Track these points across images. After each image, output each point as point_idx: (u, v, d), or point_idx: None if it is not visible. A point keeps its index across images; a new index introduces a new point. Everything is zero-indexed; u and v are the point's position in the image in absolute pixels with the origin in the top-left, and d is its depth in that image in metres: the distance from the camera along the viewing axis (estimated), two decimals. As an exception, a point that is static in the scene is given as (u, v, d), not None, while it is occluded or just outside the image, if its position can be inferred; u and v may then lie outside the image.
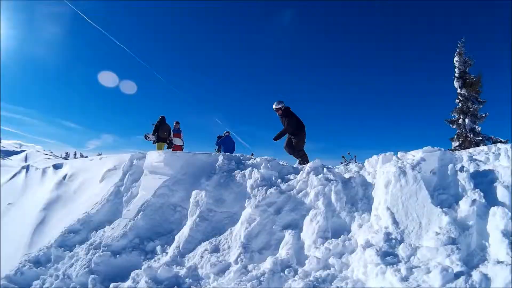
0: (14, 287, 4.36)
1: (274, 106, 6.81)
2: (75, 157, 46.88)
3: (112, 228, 4.91)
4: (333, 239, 3.56)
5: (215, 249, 4.01)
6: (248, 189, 4.68)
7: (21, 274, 4.57)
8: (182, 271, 3.73)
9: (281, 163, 5.37)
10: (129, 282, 3.71)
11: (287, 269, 3.31)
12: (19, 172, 11.92)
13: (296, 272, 3.27)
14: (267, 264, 3.40)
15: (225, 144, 9.64)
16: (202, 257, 3.92)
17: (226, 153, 6.09)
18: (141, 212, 4.92)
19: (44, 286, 4.25)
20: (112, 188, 5.84)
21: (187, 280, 3.59)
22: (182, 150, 9.70)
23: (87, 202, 6.01)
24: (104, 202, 5.56)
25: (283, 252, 3.59)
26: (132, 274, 3.83)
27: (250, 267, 3.53)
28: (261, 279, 3.17)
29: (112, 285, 3.80)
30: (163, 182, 5.29)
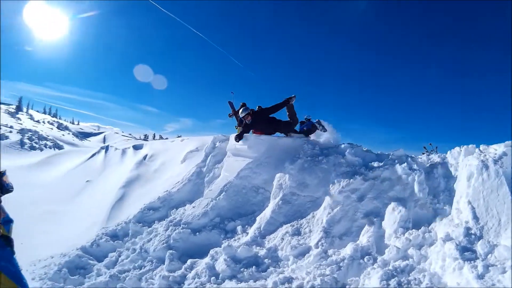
0: (89, 257, 6.04)
1: (242, 115, 7.32)
2: (154, 139, 55.04)
3: (193, 207, 6.42)
4: (413, 229, 4.37)
5: (296, 232, 5.21)
6: (332, 175, 5.76)
7: (97, 246, 6.32)
8: (262, 252, 4.98)
9: (364, 149, 6.40)
10: (207, 259, 5.05)
11: (366, 257, 4.23)
12: (98, 152, 15.36)
13: (375, 260, 4.16)
14: (347, 250, 4.38)
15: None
16: (282, 239, 5.12)
17: (310, 139, 7.35)
18: (223, 193, 6.38)
19: (120, 258, 5.85)
20: (194, 168, 7.57)
21: (266, 260, 4.82)
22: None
23: (167, 182, 7.82)
24: (186, 182, 7.25)
25: (364, 239, 4.55)
26: (211, 251, 5.20)
27: (330, 252, 4.57)
28: (341, 264, 4.14)
29: (189, 261, 5.12)
30: (246, 164, 6.77)
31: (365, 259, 4.16)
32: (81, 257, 5.90)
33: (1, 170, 1.90)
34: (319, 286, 3.67)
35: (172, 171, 8.55)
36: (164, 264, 5.26)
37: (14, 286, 1.45)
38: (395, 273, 3.73)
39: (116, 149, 13.87)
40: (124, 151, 12.86)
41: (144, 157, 10.57)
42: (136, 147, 12.34)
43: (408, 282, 3.56)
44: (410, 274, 3.70)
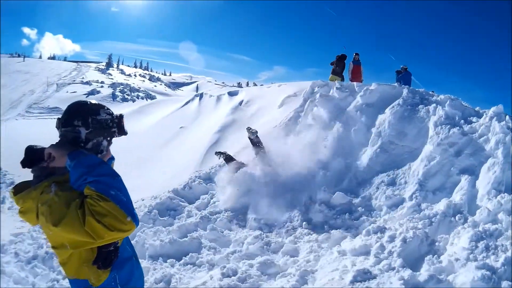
0: (180, 199, 7.23)
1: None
2: (247, 86, 58.79)
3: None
4: (505, 193, 4.64)
5: (392, 183, 5.83)
6: (431, 126, 6.19)
7: (189, 188, 7.56)
8: (356, 200, 5.72)
9: (463, 103, 6.64)
10: (301, 204, 5.80)
11: (458, 215, 4.66)
12: (192, 99, 17.26)
13: (466, 220, 4.57)
14: (440, 206, 4.86)
15: (405, 80, 11.18)
16: (377, 188, 5.80)
17: (410, 87, 7.87)
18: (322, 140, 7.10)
19: (212, 200, 6.97)
20: (292, 113, 8.35)
21: (359, 208, 5.54)
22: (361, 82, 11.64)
23: (263, 126, 8.81)
24: (283, 126, 8.10)
25: (457, 196, 4.96)
26: (306, 195, 5.97)
27: (423, 205, 5.08)
28: (433, 220, 4.65)
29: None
30: (348, 110, 7.44)
31: (457, 218, 4.57)
32: (172, 199, 7.15)
33: (121, 114, 2.06)
34: (410, 239, 4.14)
35: (269, 116, 9.63)
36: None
37: (125, 216, 1.59)
38: (484, 236, 4.07)
39: (210, 96, 15.53)
40: (219, 98, 14.39)
41: (240, 103, 11.87)
42: (231, 94, 13.79)
43: (495, 247, 3.87)
44: (498, 240, 4.02)
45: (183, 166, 9.11)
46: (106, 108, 1.98)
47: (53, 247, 1.86)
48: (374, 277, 3.61)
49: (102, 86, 42.05)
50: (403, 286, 3.30)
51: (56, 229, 1.63)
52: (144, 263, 5.04)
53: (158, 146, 12.03)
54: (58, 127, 1.91)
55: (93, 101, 1.99)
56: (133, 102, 33.99)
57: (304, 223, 5.48)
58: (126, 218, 1.58)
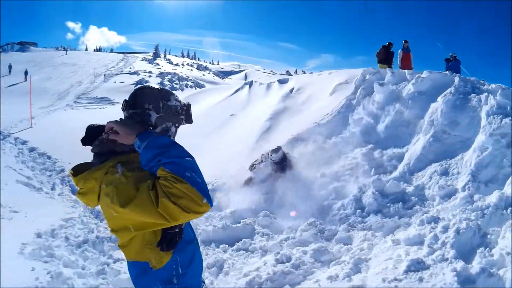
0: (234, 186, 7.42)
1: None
2: (296, 74, 58.83)
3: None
4: None
5: (445, 172, 5.70)
6: (483, 115, 5.94)
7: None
8: (410, 189, 5.64)
9: None
10: (355, 191, 5.84)
11: (510, 208, 4.44)
12: (241, 87, 17.42)
13: None
14: (492, 198, 4.67)
15: (454, 68, 11.12)
16: (431, 178, 5.69)
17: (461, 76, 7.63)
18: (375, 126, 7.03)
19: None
20: (344, 101, 8.36)
21: (412, 198, 5.47)
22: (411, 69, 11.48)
23: (315, 114, 8.89)
24: (335, 114, 8.23)
25: (509, 189, 4.70)
26: (360, 183, 5.97)
27: (475, 197, 4.93)
28: (485, 212, 4.50)
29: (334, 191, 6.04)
30: (400, 98, 7.37)
31: (508, 211, 4.37)
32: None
33: (189, 102, 2.10)
34: (463, 230, 4.05)
35: (321, 103, 9.65)
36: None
37: (201, 198, 1.57)
38: (534, 231, 3.94)
39: (260, 84, 15.68)
40: (269, 86, 14.51)
41: (291, 90, 11.93)
42: (282, 81, 13.86)
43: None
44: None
45: (235, 154, 9.26)
46: (175, 95, 2.00)
47: (112, 230, 1.85)
48: (428, 267, 3.61)
49: (150, 76, 43.10)
50: (456, 278, 3.26)
51: (123, 211, 1.60)
52: None
53: (208, 133, 12.23)
54: (124, 108, 1.91)
55: (162, 87, 2.01)
56: (182, 91, 34.67)
57: (358, 211, 5.51)
58: (202, 200, 1.56)
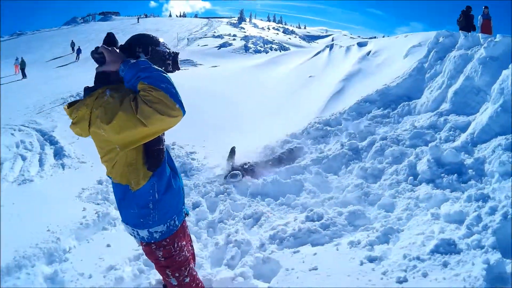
0: (297, 141, 7.14)
1: None
2: None
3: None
4: None
5: (509, 147, 4.51)
6: None
7: (307, 133, 7.45)
8: (469, 161, 4.69)
9: None
10: (411, 157, 5.09)
11: None
12: (322, 50, 16.70)
13: None
14: None
15: None
16: (493, 151, 4.60)
17: None
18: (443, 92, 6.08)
19: (327, 145, 6.74)
20: (416, 64, 7.44)
21: (470, 171, 4.52)
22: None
23: (387, 76, 8.16)
24: (406, 77, 7.36)
25: None
26: (417, 149, 5.19)
27: None
28: None
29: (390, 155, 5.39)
30: (471, 63, 6.11)
31: None
32: (289, 142, 7.22)
33: (177, 51, 2.20)
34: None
35: (394, 66, 8.80)
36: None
37: (174, 103, 1.69)
38: None
39: (340, 46, 14.83)
40: (348, 48, 13.65)
41: (368, 53, 11.06)
42: (361, 44, 12.97)
43: None
44: None
45: (307, 113, 8.96)
46: (165, 43, 2.13)
47: (102, 158, 1.98)
48: (458, 251, 2.92)
49: (234, 39, 42.60)
50: (484, 273, 2.54)
51: (108, 128, 1.73)
52: (244, 200, 5.14)
53: (287, 94, 12.16)
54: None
55: (154, 35, 2.14)
56: (266, 53, 34.12)
57: (410, 177, 4.77)
58: (175, 105, 1.69)
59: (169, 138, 8.29)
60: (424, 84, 6.96)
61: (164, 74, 1.76)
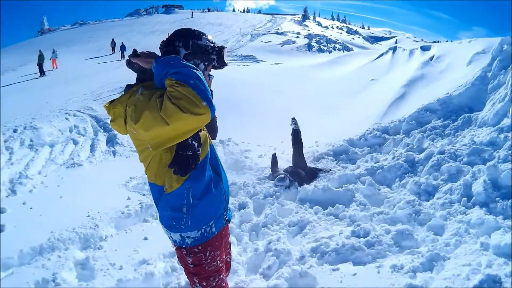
0: (354, 149, 6.91)
1: None
2: None
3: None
4: None
5: None
6: None
7: (365, 140, 7.24)
8: None
9: None
10: (467, 176, 4.72)
11: None
12: (385, 52, 16.01)
13: None
14: None
15: None
16: None
17: None
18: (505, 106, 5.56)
19: (383, 153, 6.42)
20: (479, 72, 6.95)
21: None
22: None
23: (450, 84, 7.67)
24: (469, 86, 6.88)
25: None
26: (475, 168, 4.82)
27: None
28: None
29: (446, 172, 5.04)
30: None
31: None
32: (345, 148, 7.07)
33: (223, 45, 2.04)
34: None
35: (457, 73, 8.26)
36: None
37: (201, 100, 1.57)
38: None
39: (403, 49, 14.16)
40: (411, 52, 13.00)
41: (431, 58, 10.46)
42: (424, 48, 12.29)
43: None
44: None
45: (365, 117, 8.74)
46: (209, 37, 1.97)
47: (139, 156, 1.91)
48: None
49: (297, 37, 41.52)
50: None
51: (137, 126, 1.65)
52: (292, 205, 5.03)
53: (348, 96, 11.82)
54: (160, 48, 1.94)
55: (199, 30, 1.99)
56: (329, 53, 33.15)
57: (463, 198, 4.38)
58: (202, 102, 1.55)
59: (225, 133, 8.59)
60: (487, 95, 6.39)
61: (194, 70, 1.63)
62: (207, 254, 2.03)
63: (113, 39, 33.09)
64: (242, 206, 4.99)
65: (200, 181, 1.90)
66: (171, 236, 2.03)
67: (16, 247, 3.66)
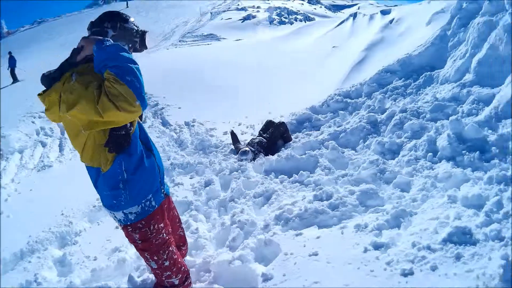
0: (317, 116, 6.77)
1: None
2: None
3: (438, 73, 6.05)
4: None
5: None
6: None
7: (327, 106, 7.08)
8: (492, 137, 4.02)
9: None
10: (431, 132, 4.56)
11: None
12: (346, 19, 15.83)
13: None
14: None
15: None
16: None
17: None
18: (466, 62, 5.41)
19: (346, 118, 6.29)
20: (438, 31, 6.75)
21: (493, 148, 3.85)
22: None
23: (410, 45, 7.49)
24: (428, 45, 6.68)
25: None
26: (438, 123, 4.65)
27: None
28: None
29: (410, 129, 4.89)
30: (495, 31, 5.24)
31: None
32: (308, 116, 6.92)
33: (145, 30, 2.13)
34: None
35: (416, 34, 8.02)
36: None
37: (135, 99, 1.68)
38: None
39: (364, 15, 13.93)
40: (371, 17, 12.79)
41: (391, 21, 10.21)
42: (384, 12, 12.09)
43: None
44: None
45: (328, 84, 8.51)
46: (134, 21, 2.08)
47: (73, 142, 1.98)
48: (473, 243, 2.44)
49: (258, 11, 40.54)
50: (501, 271, 2.05)
51: (74, 111, 1.70)
52: (257, 177, 4.82)
53: (311, 65, 11.64)
54: (89, 28, 1.99)
55: (123, 12, 2.07)
56: (291, 24, 32.56)
57: (429, 154, 4.22)
58: (135, 101, 1.67)
59: (189, 114, 8.25)
60: (447, 53, 6.19)
61: (132, 65, 1.71)
62: (151, 228, 2.11)
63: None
64: (208, 184, 4.86)
65: (131, 156, 1.97)
66: (115, 217, 2.09)
67: (-2, 256, 3.68)
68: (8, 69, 18.79)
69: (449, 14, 6.79)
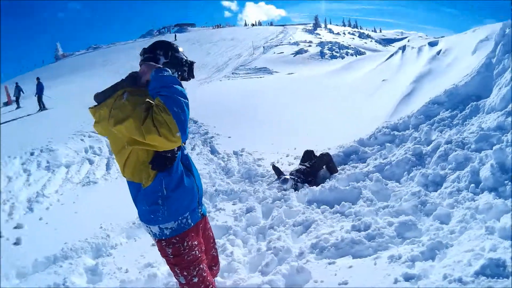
0: (364, 149, 6.71)
1: None
2: None
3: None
4: None
5: None
6: None
7: (374, 139, 7.01)
8: None
9: None
10: (475, 163, 4.42)
11: None
12: (395, 52, 15.73)
13: None
14: None
15: None
16: None
17: None
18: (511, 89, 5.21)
19: (392, 150, 6.21)
20: (484, 60, 6.56)
21: None
22: None
23: (457, 75, 7.32)
24: (474, 75, 6.51)
25: None
26: (482, 153, 4.52)
27: None
28: None
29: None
30: None
31: None
32: (356, 148, 6.88)
33: (193, 61, 2.26)
34: None
35: (463, 64, 7.86)
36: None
37: (177, 130, 1.76)
38: None
39: (412, 48, 13.78)
40: (420, 49, 12.60)
41: (438, 52, 10.08)
42: (432, 44, 11.90)
43: None
44: None
45: (376, 117, 8.59)
46: (184, 52, 2.23)
47: (116, 156, 2.07)
48: (507, 276, 2.35)
49: (310, 46, 40.97)
50: None
51: (120, 127, 1.82)
52: (299, 207, 4.91)
53: (361, 99, 11.73)
54: (141, 54, 2.16)
55: (174, 42, 2.24)
56: (342, 58, 32.51)
57: (471, 185, 4.06)
58: (177, 133, 1.74)
59: (238, 144, 8.58)
60: (493, 82, 5.97)
61: (182, 99, 1.80)
62: (185, 244, 2.15)
63: (16, 83, 20.81)
64: (249, 210, 4.98)
65: (172, 174, 2.04)
66: (151, 231, 2.15)
67: (31, 257, 3.96)
68: (35, 95, 17.97)
69: (493, 41, 6.65)
